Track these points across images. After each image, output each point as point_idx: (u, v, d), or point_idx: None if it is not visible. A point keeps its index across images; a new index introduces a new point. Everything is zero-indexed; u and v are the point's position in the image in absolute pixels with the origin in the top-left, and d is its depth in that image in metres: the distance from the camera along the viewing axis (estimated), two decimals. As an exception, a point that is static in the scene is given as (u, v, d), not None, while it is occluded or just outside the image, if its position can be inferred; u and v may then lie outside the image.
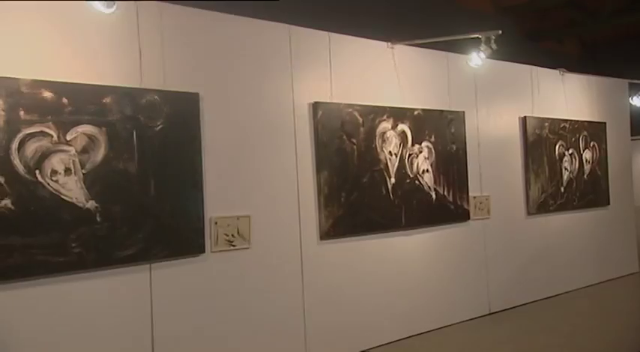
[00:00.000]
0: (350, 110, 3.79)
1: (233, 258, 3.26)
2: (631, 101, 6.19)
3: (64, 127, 2.69)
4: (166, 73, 3.05)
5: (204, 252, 3.13)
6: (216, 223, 3.18)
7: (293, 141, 3.56)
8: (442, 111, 4.40)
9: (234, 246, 3.25)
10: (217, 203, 3.20)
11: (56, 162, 2.65)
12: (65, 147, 2.68)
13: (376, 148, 3.93)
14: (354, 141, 3.81)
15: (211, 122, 3.20)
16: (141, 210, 2.88)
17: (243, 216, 3.29)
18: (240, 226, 3.27)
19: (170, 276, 3.03)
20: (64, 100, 2.69)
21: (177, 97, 3.03)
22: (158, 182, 2.95)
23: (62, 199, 2.66)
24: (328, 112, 3.67)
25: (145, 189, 2.91)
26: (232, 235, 3.24)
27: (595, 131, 5.84)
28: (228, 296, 3.24)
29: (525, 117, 5.10)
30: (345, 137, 3.76)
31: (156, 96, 2.97)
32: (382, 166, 3.96)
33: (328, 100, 3.72)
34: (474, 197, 4.62)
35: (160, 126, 2.97)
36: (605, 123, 5.99)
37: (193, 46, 3.17)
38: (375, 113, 3.93)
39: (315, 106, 3.63)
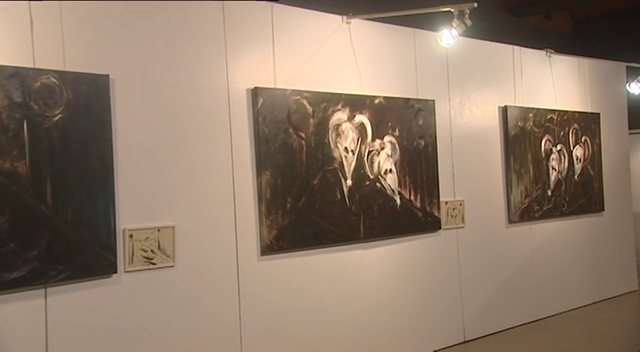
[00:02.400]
0: (297, 98, 3.92)
1: (153, 279, 3.32)
2: (628, 88, 6.51)
3: None
4: (66, 50, 3.07)
5: (115, 272, 3.17)
6: (131, 236, 3.22)
7: (228, 136, 3.66)
8: (408, 99, 4.60)
9: (154, 264, 3.31)
10: (133, 211, 3.26)
11: None
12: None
13: (329, 144, 4.07)
14: (303, 135, 3.94)
15: (125, 111, 3.25)
16: (34, 222, 2.90)
17: (166, 227, 3.35)
18: (161, 240, 3.33)
19: (71, 303, 3.06)
20: None
21: (81, 80, 3.07)
22: (56, 186, 2.97)
23: None
24: (271, 100, 3.78)
25: (40, 194, 2.93)
26: (152, 251, 3.30)
27: (587, 123, 6.22)
28: (146, 327, 3.30)
29: (506, 106, 5.40)
30: (291, 130, 3.88)
31: (53, 79, 2.99)
32: (336, 165, 4.12)
33: (271, 86, 3.84)
34: (446, 202, 4.86)
35: (58, 116, 2.99)
36: (598, 114, 6.38)
37: (102, 18, 3.21)
38: (328, 101, 4.08)
39: (256, 93, 3.74)
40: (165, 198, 3.38)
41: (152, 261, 3.29)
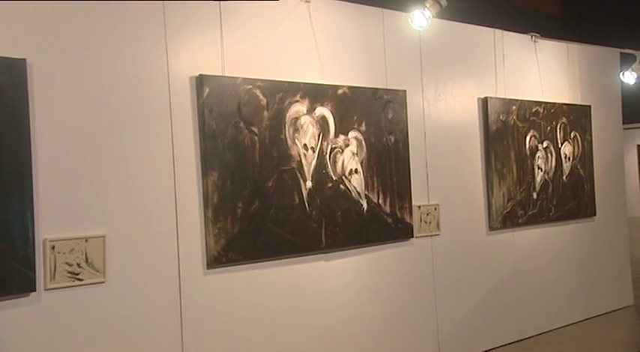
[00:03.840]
0: (249, 87, 3.94)
1: (79, 298, 3.30)
2: (622, 77, 6.68)
3: None
4: (-24, 28, 3.01)
5: (34, 290, 3.14)
6: (53, 248, 3.20)
7: (168, 131, 3.66)
8: (376, 89, 4.67)
9: (80, 280, 3.28)
10: (55, 219, 3.23)
11: None
12: None
13: (286, 140, 4.11)
14: (256, 130, 3.96)
15: (46, 102, 3.22)
16: (-63, 231, 2.82)
17: (95, 237, 3.34)
18: (90, 251, 3.31)
19: (-17, 327, 2.99)
20: None
21: (-6, 64, 3.01)
22: (-36, 188, 2.90)
23: None
24: (219, 90, 3.80)
25: (-56, 198, 2.85)
26: (78, 265, 3.27)
27: (577, 117, 6.40)
28: (71, 353, 3.25)
29: (486, 98, 5.52)
30: (242, 124, 3.90)
31: (-41, 63, 2.92)
32: (294, 165, 4.15)
33: (219, 73, 3.85)
34: (419, 206, 4.95)
35: (-34, 107, 2.94)
36: (589, 106, 6.57)
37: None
38: (285, 92, 4.11)
39: (200, 82, 3.75)
40: (93, 203, 3.35)
41: (78, 277, 3.26)
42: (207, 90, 3.74)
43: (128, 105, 3.50)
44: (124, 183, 3.46)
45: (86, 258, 3.28)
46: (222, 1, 3.87)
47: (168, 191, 3.63)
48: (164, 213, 3.61)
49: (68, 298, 3.25)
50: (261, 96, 3.99)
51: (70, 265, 3.23)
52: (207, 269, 3.76)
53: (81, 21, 3.35)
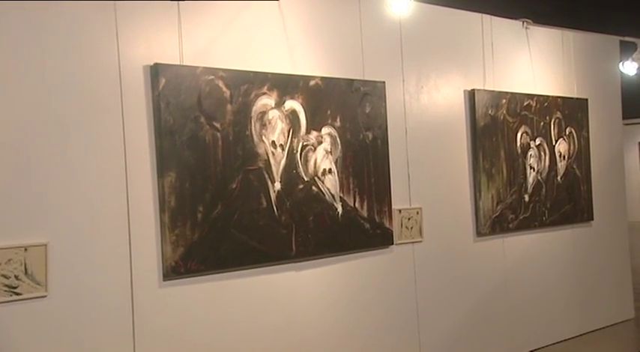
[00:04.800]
0: (211, 78, 3.93)
1: (18, 314, 3.26)
2: (621, 68, 6.75)
3: None
4: None
5: (-34, 305, 3.10)
6: (-12, 258, 3.16)
7: (119, 127, 3.63)
8: (352, 80, 4.69)
9: (18, 294, 3.24)
10: (-10, 225, 3.18)
11: None
12: None
13: (252, 137, 4.10)
14: (218, 125, 3.96)
15: (-21, 93, 3.18)
16: None
17: (35, 246, 3.30)
18: (30, 262, 3.27)
19: None
20: None
21: None
22: None
23: None
24: (176, 81, 3.79)
25: None
26: (16, 277, 3.23)
27: (573, 111, 6.47)
28: (9, 377, 3.21)
29: (474, 90, 5.56)
30: (203, 119, 3.89)
31: None
32: (261, 164, 4.15)
33: (176, 62, 3.84)
34: (400, 210, 4.97)
35: None
36: (586, 100, 6.64)
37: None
38: (251, 83, 4.11)
39: (156, 72, 3.73)
40: (34, 208, 3.32)
41: (16, 291, 3.22)
42: (163, 81, 3.72)
43: (73, 98, 3.46)
44: (69, 186, 3.43)
45: (25, 270, 3.24)
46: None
47: (120, 194, 3.60)
48: (115, 219, 3.58)
49: (5, 315, 3.20)
50: (224, 88, 3.97)
51: (7, 277, 3.18)
52: (164, 280, 3.74)
53: (19, 4, 3.30)
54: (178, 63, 3.82)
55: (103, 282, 3.52)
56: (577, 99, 6.52)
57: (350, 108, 4.63)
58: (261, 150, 4.13)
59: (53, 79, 3.40)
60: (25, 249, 3.24)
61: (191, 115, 3.83)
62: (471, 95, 5.53)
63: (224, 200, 3.95)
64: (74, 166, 3.45)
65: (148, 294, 3.68)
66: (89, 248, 3.48)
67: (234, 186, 3.99)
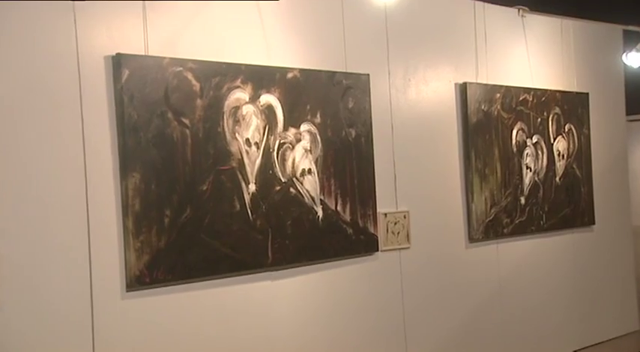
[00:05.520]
0: (179, 69, 3.91)
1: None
2: (625, 59, 6.72)
3: None
4: None
5: None
6: None
7: (78, 123, 3.60)
8: (333, 73, 4.70)
9: (-33, 306, 3.23)
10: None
11: None
12: None
13: (224, 134, 4.10)
14: (187, 122, 3.94)
15: None
16: None
17: (-15, 254, 3.28)
18: (-21, 271, 3.25)
19: None
20: None
21: None
22: None
23: None
24: (141, 73, 3.77)
25: None
26: (-36, 287, 3.21)
27: (572, 107, 6.51)
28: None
29: (465, 84, 5.58)
30: (170, 115, 3.87)
31: None
32: (235, 164, 4.14)
33: (141, 53, 3.82)
34: (386, 214, 4.99)
35: None
36: (587, 94, 6.68)
37: None
38: (223, 75, 4.10)
39: (118, 63, 3.71)
40: (-16, 212, 3.30)
41: (-35, 303, 3.21)
42: (126, 72, 3.69)
43: (25, 92, 3.42)
44: (22, 189, 3.39)
45: (-26, 280, 3.23)
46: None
47: (78, 197, 3.57)
48: (73, 225, 3.55)
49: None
50: (194, 81, 3.96)
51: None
52: (127, 291, 3.71)
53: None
54: (143, 53, 3.80)
55: (59, 294, 3.49)
56: (577, 93, 6.57)
57: (331, 103, 4.64)
58: (234, 149, 4.12)
59: (2, 71, 3.35)
60: (-26, 257, 3.23)
61: (157, 110, 3.81)
62: (463, 89, 5.55)
63: (193, 203, 3.93)
64: (27, 167, 3.42)
65: (109, 307, 3.65)
66: (44, 256, 3.44)
67: (204, 187, 3.98)
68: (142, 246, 3.72)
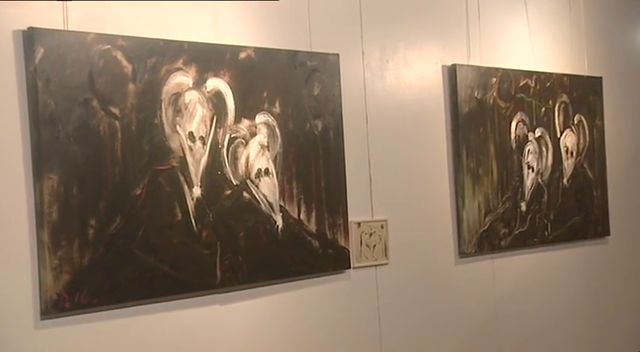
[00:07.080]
0: (107, 48, 3.88)
1: None
2: None
3: None
4: None
5: None
6: None
7: (-20, 113, 3.58)
8: (295, 52, 4.70)
9: None
10: None
11: None
12: None
13: (162, 126, 4.08)
14: (117, 111, 3.91)
15: None
16: None
17: None
18: None
19: None
20: None
21: None
22: None
23: None
24: (60, 52, 3.73)
25: None
26: None
27: (583, 94, 6.56)
28: None
29: (455, 66, 5.60)
30: (96, 103, 3.84)
31: None
32: (175, 163, 4.13)
33: (60, 27, 3.78)
34: (359, 223, 4.99)
35: None
36: (600, 78, 6.74)
37: None
38: (161, 55, 4.08)
39: (31, 39, 3.66)
40: None
41: None
42: (40, 51, 3.64)
43: None
44: None
45: None
46: None
47: (-19, 203, 3.55)
48: (-25, 236, 3.53)
49: None
50: (125, 62, 3.93)
51: None
52: (42, 319, 3.65)
53: None
54: (62, 27, 3.76)
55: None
56: (588, 77, 6.62)
57: (293, 90, 4.63)
58: (174, 145, 4.10)
59: None
60: None
61: (80, 98, 3.76)
62: (452, 72, 5.56)
63: (125, 211, 3.90)
64: None
65: (19, 338, 3.59)
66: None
67: (138, 192, 3.95)
68: (60, 263, 3.67)
